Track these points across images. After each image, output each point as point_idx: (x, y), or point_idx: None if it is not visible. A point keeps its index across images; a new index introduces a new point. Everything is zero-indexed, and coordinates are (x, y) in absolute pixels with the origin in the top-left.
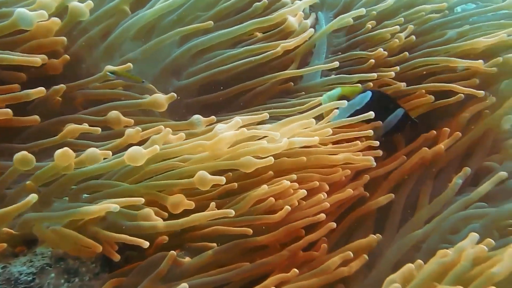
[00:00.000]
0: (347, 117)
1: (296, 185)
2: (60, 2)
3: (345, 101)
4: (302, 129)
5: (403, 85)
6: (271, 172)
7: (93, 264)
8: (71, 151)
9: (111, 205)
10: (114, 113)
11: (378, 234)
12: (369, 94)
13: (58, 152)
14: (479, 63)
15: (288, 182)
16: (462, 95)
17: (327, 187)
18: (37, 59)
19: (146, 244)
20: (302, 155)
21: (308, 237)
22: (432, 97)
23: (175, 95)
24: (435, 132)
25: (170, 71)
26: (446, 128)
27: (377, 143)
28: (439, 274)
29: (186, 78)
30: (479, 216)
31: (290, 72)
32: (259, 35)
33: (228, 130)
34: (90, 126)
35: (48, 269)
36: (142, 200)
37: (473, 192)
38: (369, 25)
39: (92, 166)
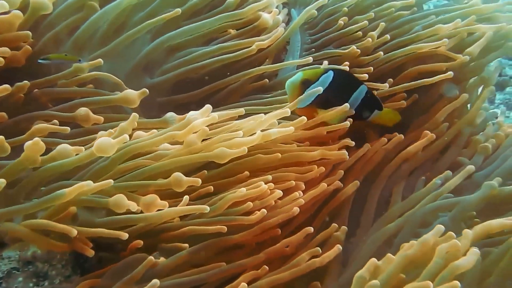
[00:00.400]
0: (314, 100)
1: (272, 185)
2: None
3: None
4: (276, 120)
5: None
6: (247, 172)
7: (64, 267)
8: (42, 142)
9: (85, 183)
10: (83, 110)
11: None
12: (331, 73)
13: (29, 143)
14: (443, 42)
15: (265, 186)
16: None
17: (303, 186)
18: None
19: (125, 235)
20: (277, 152)
21: (285, 241)
22: (404, 102)
23: (147, 90)
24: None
25: (142, 68)
26: (427, 131)
27: (352, 143)
28: (404, 266)
29: (159, 76)
30: (446, 208)
31: (264, 67)
32: (233, 32)
33: (200, 116)
34: (59, 123)
35: (16, 273)
36: (112, 182)
37: (443, 187)
38: (341, 21)
39: (62, 161)
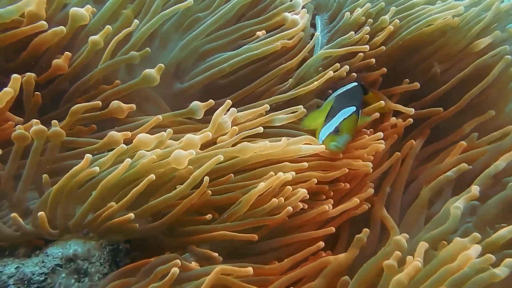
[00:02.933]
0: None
1: (289, 176)
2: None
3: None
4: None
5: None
6: (272, 172)
7: (102, 265)
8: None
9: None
10: (115, 103)
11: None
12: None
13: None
14: (458, 10)
15: (282, 174)
16: None
17: (327, 187)
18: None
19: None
20: (303, 161)
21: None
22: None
23: (163, 65)
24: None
25: (172, 74)
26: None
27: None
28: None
29: (189, 81)
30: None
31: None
32: (260, 34)
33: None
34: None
35: (59, 269)
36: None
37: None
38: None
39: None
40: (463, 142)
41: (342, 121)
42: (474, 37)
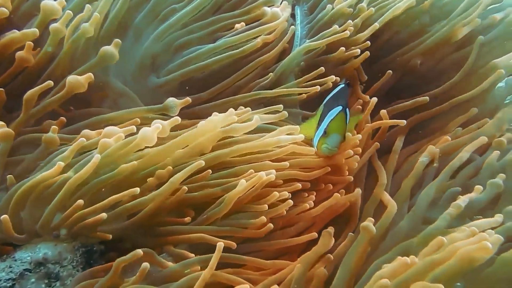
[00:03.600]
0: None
1: (272, 177)
2: None
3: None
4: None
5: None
6: (252, 170)
7: (75, 268)
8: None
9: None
10: (71, 78)
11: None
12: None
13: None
14: None
15: (264, 174)
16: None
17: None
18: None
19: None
20: (284, 160)
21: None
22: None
23: (119, 41)
24: None
25: (148, 67)
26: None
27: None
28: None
29: (165, 75)
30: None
31: (264, 57)
32: (239, 26)
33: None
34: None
35: (28, 274)
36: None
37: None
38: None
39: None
40: (447, 136)
41: (329, 122)
42: (453, 27)
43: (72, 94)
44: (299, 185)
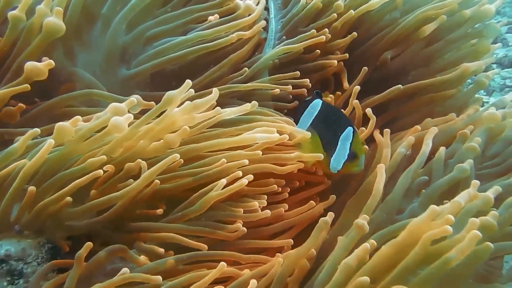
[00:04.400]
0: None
1: (251, 177)
2: None
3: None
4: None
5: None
6: (224, 160)
7: (40, 264)
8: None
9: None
10: (29, 64)
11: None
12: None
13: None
14: None
15: (240, 173)
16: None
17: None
18: None
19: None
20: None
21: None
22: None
23: (61, 8)
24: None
25: (117, 59)
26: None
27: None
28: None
29: (136, 66)
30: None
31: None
32: (213, 19)
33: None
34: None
35: None
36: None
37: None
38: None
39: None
40: (417, 126)
41: (351, 146)
42: (421, 22)
43: (31, 81)
44: (275, 187)
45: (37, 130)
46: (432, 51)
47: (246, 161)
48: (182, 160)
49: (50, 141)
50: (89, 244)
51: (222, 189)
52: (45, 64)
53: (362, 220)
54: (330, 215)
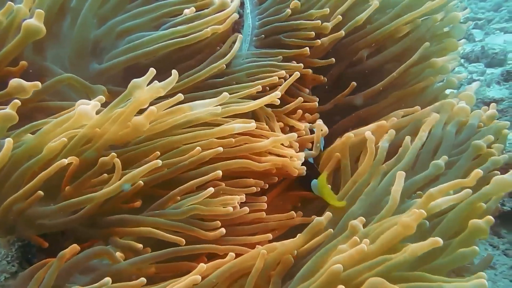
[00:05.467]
0: None
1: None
2: None
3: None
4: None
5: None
6: (199, 148)
7: (10, 263)
8: None
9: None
10: (15, 81)
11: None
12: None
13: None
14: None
15: (220, 172)
16: None
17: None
18: None
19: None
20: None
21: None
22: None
23: (42, 11)
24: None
25: (88, 53)
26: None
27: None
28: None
29: (108, 61)
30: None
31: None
32: (188, 12)
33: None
34: None
35: None
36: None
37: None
38: (288, 10)
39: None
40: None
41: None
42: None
43: (11, 97)
44: (254, 189)
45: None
46: (405, 48)
47: (221, 149)
48: (161, 162)
49: (8, 140)
50: (74, 247)
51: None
52: (31, 85)
53: (358, 221)
54: (326, 217)
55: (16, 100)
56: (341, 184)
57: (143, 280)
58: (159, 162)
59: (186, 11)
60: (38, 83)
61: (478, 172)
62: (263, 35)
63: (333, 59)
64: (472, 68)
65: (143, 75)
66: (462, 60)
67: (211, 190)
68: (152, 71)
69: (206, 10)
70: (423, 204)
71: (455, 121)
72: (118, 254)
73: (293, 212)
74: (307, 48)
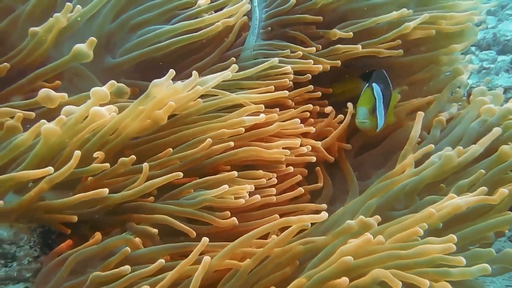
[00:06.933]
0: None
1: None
2: None
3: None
4: None
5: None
6: (210, 140)
7: (32, 248)
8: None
9: None
10: (44, 92)
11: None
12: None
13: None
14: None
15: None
16: None
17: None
18: None
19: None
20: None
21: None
22: None
23: (95, 39)
24: None
25: (102, 47)
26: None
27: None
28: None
29: (121, 55)
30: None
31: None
32: (203, 3)
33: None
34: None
35: None
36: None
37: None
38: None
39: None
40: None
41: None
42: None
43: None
44: (264, 181)
45: (43, 121)
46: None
47: (232, 143)
48: (181, 174)
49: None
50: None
51: None
52: (58, 96)
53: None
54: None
55: None
56: None
57: (161, 261)
58: (180, 174)
59: (200, 2)
60: (65, 94)
61: (503, 192)
62: (269, 28)
63: (339, 62)
64: (483, 55)
65: (154, 68)
66: (473, 48)
67: (225, 187)
68: (171, 72)
69: (217, 3)
70: (447, 214)
71: (480, 119)
72: (138, 239)
73: (301, 188)
74: (314, 48)
